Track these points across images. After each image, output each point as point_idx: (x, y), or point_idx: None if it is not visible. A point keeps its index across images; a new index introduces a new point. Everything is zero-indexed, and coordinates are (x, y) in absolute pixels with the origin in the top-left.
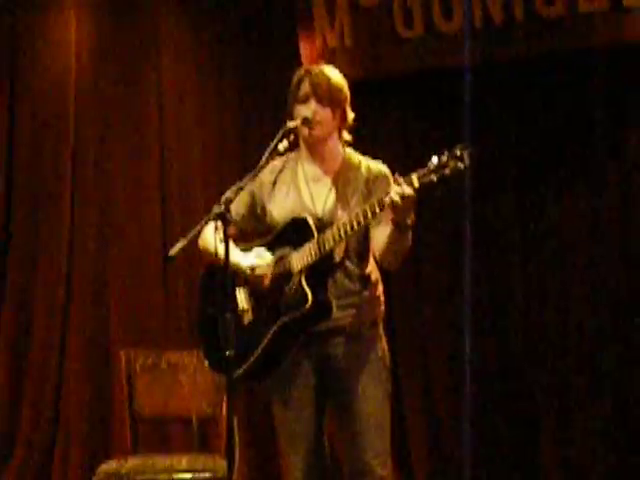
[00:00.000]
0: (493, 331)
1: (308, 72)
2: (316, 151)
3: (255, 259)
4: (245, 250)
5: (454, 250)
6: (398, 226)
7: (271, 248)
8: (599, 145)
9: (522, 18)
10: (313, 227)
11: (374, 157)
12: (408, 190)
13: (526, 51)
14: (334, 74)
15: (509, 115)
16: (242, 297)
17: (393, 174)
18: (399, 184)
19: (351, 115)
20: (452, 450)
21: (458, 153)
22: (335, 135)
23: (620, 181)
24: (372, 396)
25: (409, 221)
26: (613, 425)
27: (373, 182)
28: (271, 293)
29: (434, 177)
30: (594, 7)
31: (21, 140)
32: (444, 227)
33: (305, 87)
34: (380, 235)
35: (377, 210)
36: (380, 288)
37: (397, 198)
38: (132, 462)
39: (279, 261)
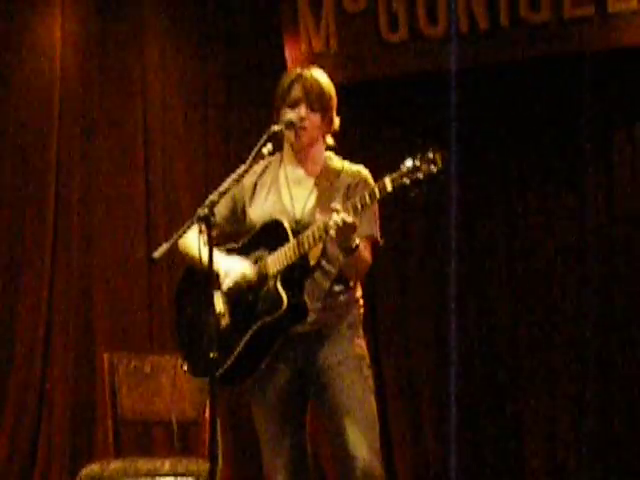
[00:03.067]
0: (479, 334)
1: (300, 76)
2: (300, 154)
3: (231, 267)
4: (224, 252)
5: (440, 252)
6: (344, 250)
7: (247, 250)
8: (585, 150)
9: (507, 23)
10: (289, 230)
11: (357, 161)
12: (348, 219)
13: (511, 56)
14: (325, 79)
15: (494, 120)
16: (219, 300)
17: (375, 179)
18: (339, 211)
19: (337, 121)
20: (436, 452)
21: (431, 156)
22: (321, 139)
23: (606, 182)
24: (354, 389)
25: (353, 244)
26: (600, 435)
27: (355, 187)
28: (247, 296)
29: (407, 180)
30: (579, 13)
31: (5, 142)
32: (429, 229)
33: (296, 91)
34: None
35: (323, 237)
36: (359, 291)
37: (339, 224)
38: (115, 465)
39: (255, 264)
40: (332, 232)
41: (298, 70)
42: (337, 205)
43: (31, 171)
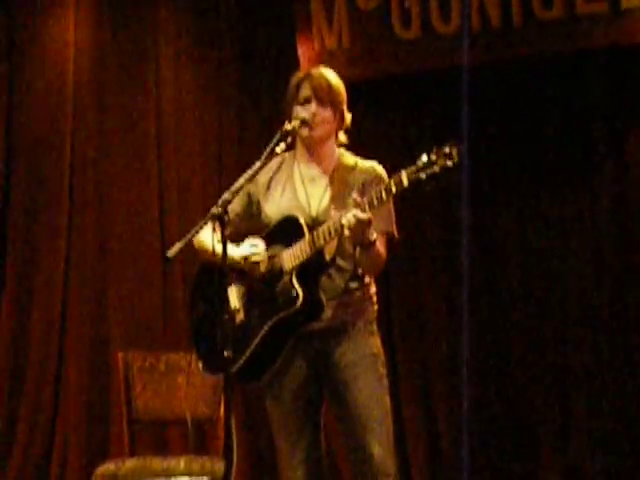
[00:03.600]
0: (492, 330)
1: (308, 75)
2: (313, 152)
3: (248, 248)
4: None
5: (453, 248)
6: (360, 246)
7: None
8: (598, 147)
9: (520, 20)
10: (304, 226)
11: (370, 158)
12: (363, 215)
13: (524, 53)
14: (333, 76)
15: (507, 117)
16: (234, 296)
17: (389, 175)
18: (354, 207)
19: (349, 117)
20: (451, 451)
21: (447, 151)
22: (333, 136)
23: (619, 182)
24: (369, 388)
25: (370, 239)
26: (613, 429)
27: (370, 183)
28: (262, 292)
29: (423, 175)
30: (592, 9)
31: (19, 142)
32: (443, 226)
33: (306, 89)
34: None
35: (333, 235)
36: (373, 288)
37: (351, 223)
38: (130, 464)
39: (271, 259)
40: (346, 229)
41: (306, 70)
42: (357, 196)
43: (45, 172)
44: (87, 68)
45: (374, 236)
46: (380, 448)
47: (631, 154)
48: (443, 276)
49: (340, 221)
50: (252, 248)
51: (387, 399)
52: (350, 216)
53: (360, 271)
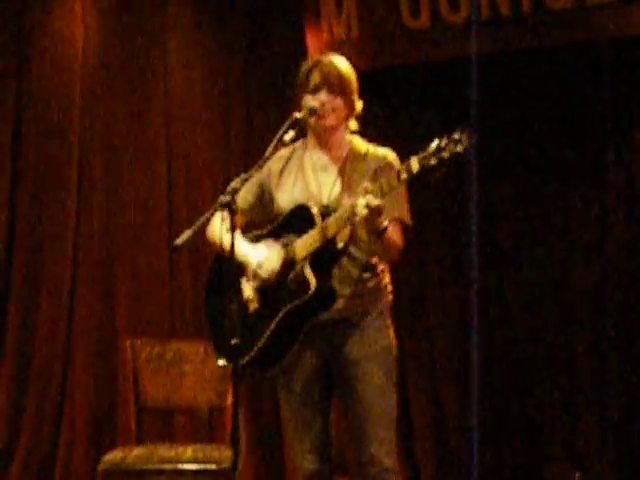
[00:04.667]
0: (500, 322)
1: (318, 62)
2: (324, 140)
3: (265, 254)
4: (251, 241)
5: (460, 239)
6: (372, 233)
7: (275, 235)
8: (606, 137)
9: (530, 10)
10: (316, 215)
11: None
12: (374, 201)
13: (533, 43)
14: (343, 63)
15: (515, 107)
16: (247, 286)
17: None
18: (365, 194)
19: (359, 104)
20: (458, 444)
21: (457, 137)
22: (344, 124)
23: (626, 171)
24: (378, 385)
25: (382, 226)
26: (619, 426)
27: (381, 170)
28: (276, 281)
29: (433, 160)
30: None
31: (28, 129)
32: (449, 219)
33: (315, 77)
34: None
35: (347, 224)
36: (387, 278)
37: (364, 211)
38: (137, 452)
39: (283, 249)
40: (358, 216)
41: (316, 57)
42: (368, 184)
43: (53, 161)
44: (95, 57)
45: (386, 223)
46: (381, 445)
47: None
48: (450, 271)
49: (352, 208)
50: (266, 260)
51: (394, 396)
52: (361, 203)
53: (375, 259)
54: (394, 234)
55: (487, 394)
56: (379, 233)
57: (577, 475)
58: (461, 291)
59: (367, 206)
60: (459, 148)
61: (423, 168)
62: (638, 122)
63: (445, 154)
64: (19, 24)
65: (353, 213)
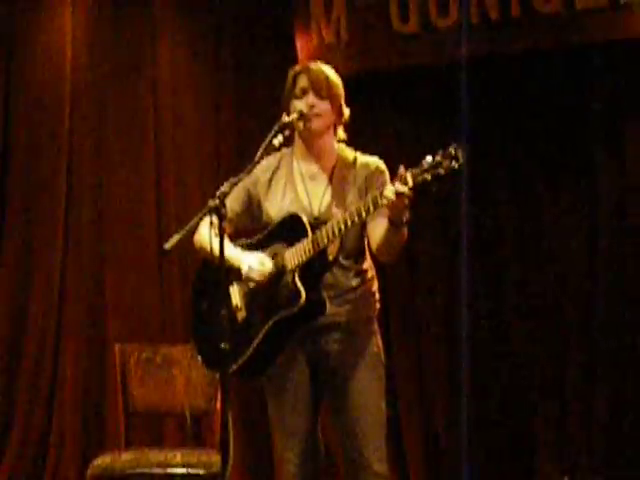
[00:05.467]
0: (490, 328)
1: (305, 68)
2: (312, 147)
3: (256, 261)
4: (242, 248)
5: (450, 247)
6: (394, 224)
7: (265, 245)
8: (597, 141)
9: (519, 14)
10: (307, 225)
11: (368, 153)
12: (403, 188)
13: (522, 47)
14: (329, 70)
15: (505, 111)
16: (236, 293)
17: (390, 171)
18: (395, 182)
19: (347, 112)
20: (448, 449)
21: (452, 152)
22: (331, 131)
23: (618, 177)
24: (368, 391)
25: (405, 218)
26: (607, 431)
27: (370, 179)
28: (264, 290)
29: (428, 176)
30: (591, 3)
31: (17, 136)
32: (440, 223)
33: (302, 82)
34: (376, 229)
35: (371, 208)
36: (376, 285)
37: (392, 196)
38: (126, 456)
39: (273, 258)
40: (387, 199)
41: (303, 64)
42: (402, 169)
43: (43, 166)
44: (84, 62)
45: (407, 216)
46: (372, 451)
47: (630, 148)
48: (441, 275)
49: (381, 193)
50: (259, 266)
51: (383, 401)
52: (391, 189)
53: (365, 265)
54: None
55: (477, 399)
56: (400, 225)
57: None
58: (452, 297)
59: (395, 192)
60: (454, 164)
61: (418, 183)
62: (628, 125)
63: (441, 170)
64: (8, 28)
65: (381, 197)
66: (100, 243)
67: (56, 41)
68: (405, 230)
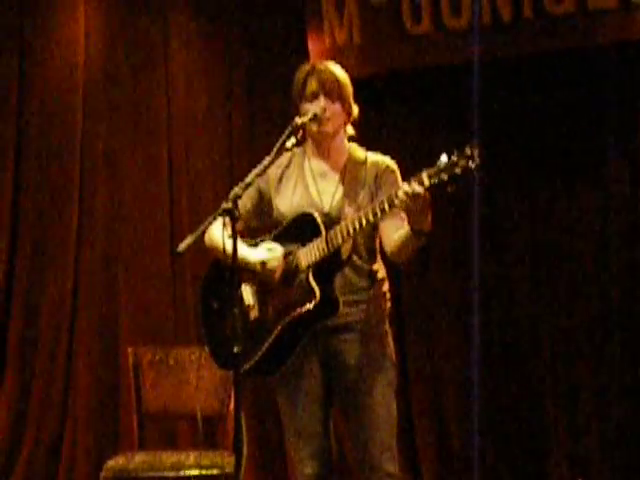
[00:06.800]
0: (502, 329)
1: (314, 69)
2: (323, 147)
3: (266, 253)
4: (252, 246)
5: (462, 248)
6: (415, 233)
7: (277, 243)
8: (608, 143)
9: (531, 15)
10: (320, 224)
11: (381, 154)
12: (418, 188)
13: (535, 48)
14: (339, 70)
15: (517, 112)
16: (248, 293)
17: (402, 171)
18: (411, 182)
19: (356, 109)
20: (460, 449)
21: (468, 152)
22: (342, 130)
23: (630, 178)
24: (380, 392)
25: (426, 228)
26: (621, 432)
27: (381, 177)
28: (278, 289)
29: (444, 176)
30: (603, 5)
31: (30, 133)
32: (452, 224)
33: (312, 84)
34: (391, 230)
35: (386, 208)
36: (386, 285)
37: (407, 196)
38: (139, 458)
39: (286, 257)
40: (398, 199)
41: (311, 64)
42: (426, 171)
43: (56, 165)
44: (97, 62)
45: (429, 226)
46: (382, 451)
47: None
48: (454, 276)
49: (396, 192)
50: (269, 253)
51: (394, 402)
52: (403, 190)
53: (376, 266)
54: None
55: (489, 401)
56: (421, 235)
57: None
58: (465, 298)
59: (411, 192)
60: (471, 164)
61: (434, 183)
62: None
63: (457, 170)
64: (21, 26)
65: (396, 196)
66: (113, 245)
67: (69, 41)
68: (424, 240)
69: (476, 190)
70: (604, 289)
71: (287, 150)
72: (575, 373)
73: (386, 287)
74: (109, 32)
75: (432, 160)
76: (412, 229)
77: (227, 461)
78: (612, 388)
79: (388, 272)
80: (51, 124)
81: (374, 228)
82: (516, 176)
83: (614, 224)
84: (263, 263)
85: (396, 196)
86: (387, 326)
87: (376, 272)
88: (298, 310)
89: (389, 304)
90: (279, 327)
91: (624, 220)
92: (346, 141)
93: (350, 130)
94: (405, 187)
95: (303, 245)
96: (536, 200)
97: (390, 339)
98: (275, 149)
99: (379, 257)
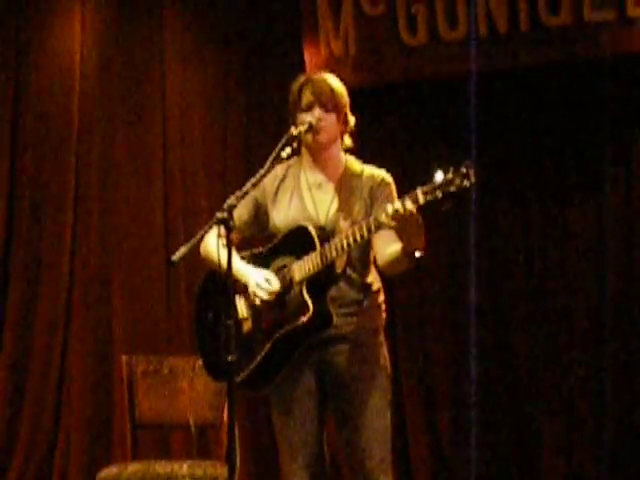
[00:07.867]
0: (497, 340)
1: (309, 80)
2: (319, 158)
3: (262, 279)
4: (248, 260)
5: (457, 259)
6: (407, 254)
7: (273, 256)
8: (604, 155)
9: (527, 27)
10: (315, 237)
11: (376, 165)
12: (409, 205)
13: (530, 60)
14: (334, 80)
15: (513, 124)
16: (242, 305)
17: (398, 183)
18: (406, 199)
19: (352, 120)
20: (454, 460)
21: (464, 170)
22: (338, 141)
23: (626, 191)
24: (373, 404)
25: (419, 250)
26: (614, 442)
27: (375, 190)
28: (271, 302)
29: (439, 193)
30: (599, 17)
31: (25, 143)
32: (448, 236)
33: (308, 95)
34: (382, 242)
35: (383, 222)
36: (382, 297)
37: (395, 213)
38: (132, 468)
39: (280, 270)
40: (389, 220)
41: (306, 75)
42: (419, 192)
43: (50, 171)
44: (93, 69)
45: (422, 249)
46: (377, 463)
47: (638, 161)
48: (448, 284)
49: (393, 207)
50: (266, 284)
51: (389, 414)
52: (397, 205)
53: (371, 279)
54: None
55: (483, 409)
56: (412, 257)
57: None
58: (459, 306)
59: (396, 210)
60: (466, 183)
61: (429, 200)
62: (636, 138)
63: (452, 188)
64: (18, 33)
65: (392, 210)
66: (107, 255)
67: (65, 50)
68: (415, 262)
69: (472, 201)
70: (601, 300)
71: (282, 160)
72: (571, 376)
73: (382, 298)
74: (105, 41)
75: (427, 172)
76: (404, 250)
77: (220, 471)
78: (608, 388)
79: (385, 283)
80: (46, 133)
81: (368, 241)
82: (511, 187)
83: (610, 237)
84: (260, 286)
85: (392, 210)
86: (382, 337)
87: (370, 284)
88: (291, 324)
89: (384, 315)
90: (272, 340)
91: (620, 234)
92: (342, 153)
93: (348, 141)
94: (397, 203)
95: (298, 258)
96: (533, 211)
97: (385, 350)
98: (270, 159)
99: (374, 269)
